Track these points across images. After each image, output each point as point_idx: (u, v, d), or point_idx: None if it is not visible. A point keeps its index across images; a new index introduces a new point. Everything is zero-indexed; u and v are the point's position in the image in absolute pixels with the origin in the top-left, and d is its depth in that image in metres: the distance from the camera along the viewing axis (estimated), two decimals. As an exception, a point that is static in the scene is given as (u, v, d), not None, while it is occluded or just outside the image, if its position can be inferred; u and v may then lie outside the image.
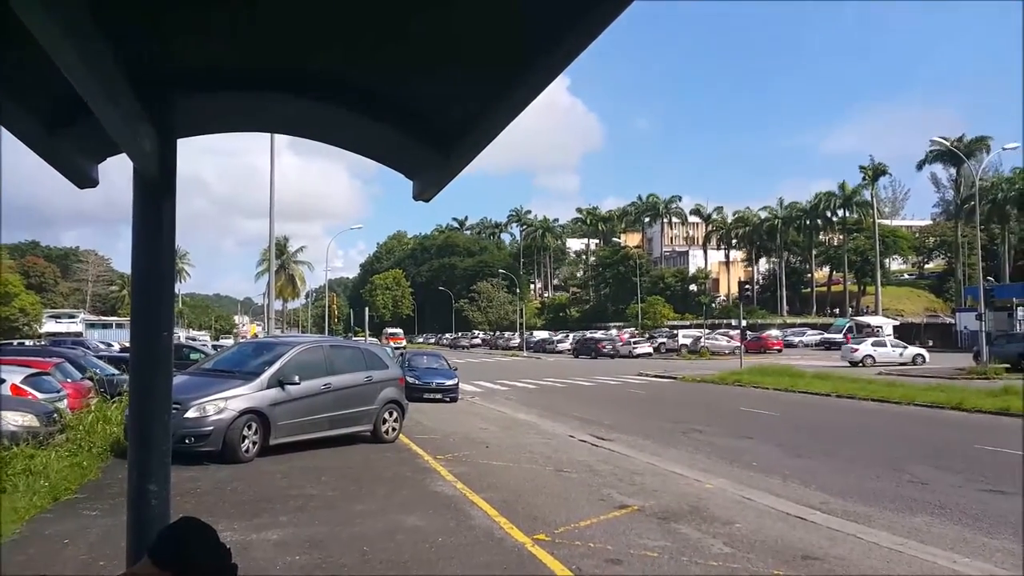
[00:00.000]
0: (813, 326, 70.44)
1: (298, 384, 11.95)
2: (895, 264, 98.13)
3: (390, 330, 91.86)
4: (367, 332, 54.87)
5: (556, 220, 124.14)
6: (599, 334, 71.68)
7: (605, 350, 57.79)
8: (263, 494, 9.05)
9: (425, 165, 2.33)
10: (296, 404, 11.96)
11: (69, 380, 15.01)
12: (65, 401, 13.20)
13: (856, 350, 42.25)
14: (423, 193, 2.43)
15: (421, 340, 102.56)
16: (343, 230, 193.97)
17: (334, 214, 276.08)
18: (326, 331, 65.22)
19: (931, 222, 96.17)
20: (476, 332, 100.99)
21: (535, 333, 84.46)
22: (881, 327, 63.19)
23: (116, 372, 18.21)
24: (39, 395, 12.56)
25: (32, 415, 10.63)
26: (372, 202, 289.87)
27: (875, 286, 78.81)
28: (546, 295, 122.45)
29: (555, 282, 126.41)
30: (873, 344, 43.17)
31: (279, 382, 11.81)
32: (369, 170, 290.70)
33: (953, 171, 77.77)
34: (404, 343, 77.98)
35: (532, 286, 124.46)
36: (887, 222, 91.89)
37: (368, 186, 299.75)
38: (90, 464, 10.06)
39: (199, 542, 1.79)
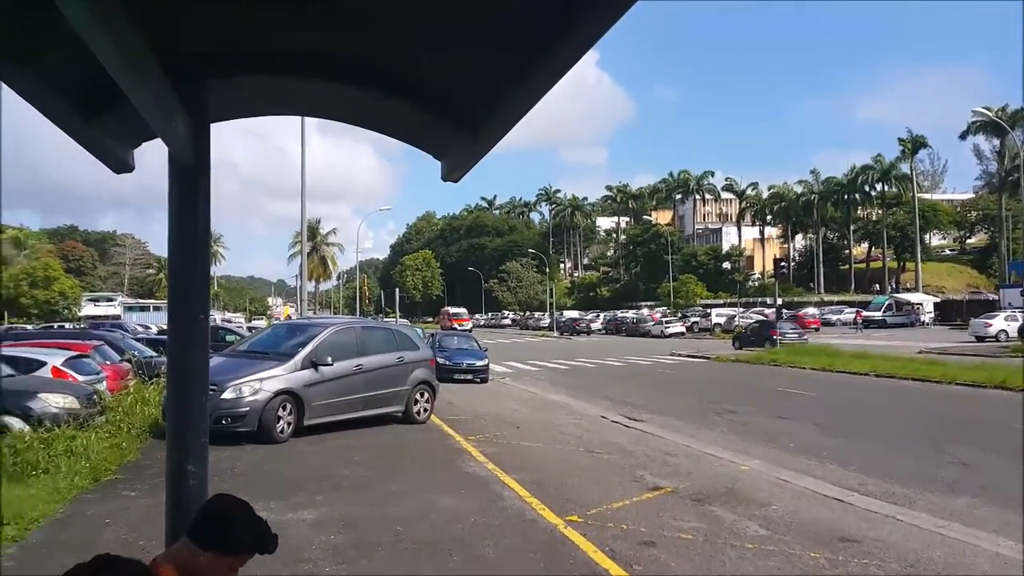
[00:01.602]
0: (851, 303, 68.86)
1: (331, 365, 12.07)
2: (935, 239, 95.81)
3: (452, 310, 78.66)
4: (398, 313, 54.86)
5: (585, 198, 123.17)
6: (626, 314, 74.92)
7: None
8: (298, 474, 9.17)
9: (454, 145, 2.31)
10: (329, 385, 12.07)
11: (108, 362, 15.29)
12: (104, 383, 13.49)
13: (989, 325, 41.74)
14: (452, 174, 2.42)
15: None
16: (372, 212, 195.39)
17: (362, 195, 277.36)
18: (357, 312, 64.72)
19: (973, 195, 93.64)
20: (506, 312, 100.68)
21: (565, 313, 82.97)
22: (921, 304, 62.10)
23: (154, 354, 18.55)
24: (79, 377, 12.83)
25: (73, 397, 10.85)
26: (401, 183, 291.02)
27: (915, 262, 77.27)
28: (576, 274, 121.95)
29: (585, 261, 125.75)
30: (1006, 319, 42.48)
31: (312, 363, 11.92)
32: (396, 151, 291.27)
33: (997, 142, 75.65)
34: (470, 325, 70.69)
35: (562, 265, 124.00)
36: (927, 196, 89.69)
37: (396, 166, 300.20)
38: (129, 445, 10.25)
39: (236, 517, 1.81)
